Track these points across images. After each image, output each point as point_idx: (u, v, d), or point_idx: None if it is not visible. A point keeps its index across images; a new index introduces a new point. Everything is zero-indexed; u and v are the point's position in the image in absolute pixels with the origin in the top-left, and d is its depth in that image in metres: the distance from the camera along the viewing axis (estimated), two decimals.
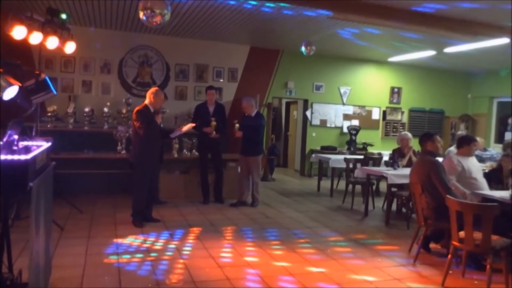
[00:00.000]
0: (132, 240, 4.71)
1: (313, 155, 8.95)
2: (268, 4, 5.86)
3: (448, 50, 8.26)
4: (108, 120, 7.31)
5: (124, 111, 7.43)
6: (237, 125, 6.64)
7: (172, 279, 3.66)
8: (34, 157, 2.49)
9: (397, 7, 5.79)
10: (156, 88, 5.64)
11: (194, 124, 6.02)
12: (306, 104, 10.24)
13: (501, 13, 5.79)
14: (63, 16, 4.81)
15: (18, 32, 4.21)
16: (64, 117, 7.19)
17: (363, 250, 4.70)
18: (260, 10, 6.19)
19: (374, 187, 7.37)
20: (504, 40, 6.83)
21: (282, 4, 5.78)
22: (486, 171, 5.99)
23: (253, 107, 6.79)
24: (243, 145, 6.79)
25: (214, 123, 6.55)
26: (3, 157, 2.24)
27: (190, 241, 4.79)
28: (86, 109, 7.23)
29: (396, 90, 10.94)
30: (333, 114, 10.41)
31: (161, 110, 5.51)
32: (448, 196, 3.75)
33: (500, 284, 3.65)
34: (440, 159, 7.05)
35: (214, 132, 6.60)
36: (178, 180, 7.18)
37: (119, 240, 4.68)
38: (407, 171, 5.22)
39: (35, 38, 4.43)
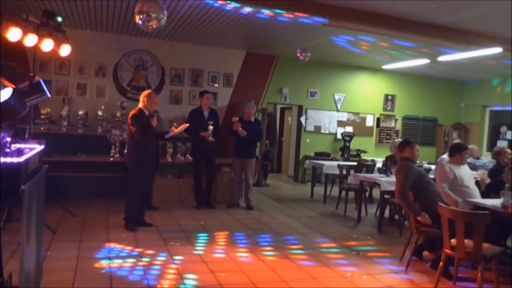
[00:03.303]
0: (125, 245, 4.69)
1: (307, 161, 8.96)
2: (264, 11, 5.90)
3: (442, 58, 8.34)
4: (102, 124, 7.29)
5: (118, 114, 7.41)
6: (236, 119, 6.72)
7: (163, 284, 3.64)
8: (27, 160, 2.48)
9: (392, 15, 5.84)
10: (149, 91, 5.59)
11: (188, 125, 5.99)
12: (300, 110, 10.27)
13: (494, 23, 5.86)
14: (59, 18, 4.81)
15: (13, 34, 4.20)
16: (57, 120, 7.15)
17: (355, 257, 4.71)
18: (256, 16, 6.23)
19: (367, 193, 7.40)
20: (496, 50, 6.91)
21: (277, 11, 5.82)
22: (478, 179, 6.03)
23: (253, 113, 7.05)
24: (240, 147, 6.85)
25: (211, 127, 6.56)
26: None
27: (183, 246, 4.78)
28: (80, 112, 7.21)
29: (390, 97, 11.01)
30: (327, 121, 10.45)
31: (156, 113, 5.49)
32: (439, 203, 3.77)
33: None
34: (432, 167, 7.15)
35: (211, 136, 6.62)
36: (172, 184, 7.17)
37: (111, 244, 4.65)
38: None
39: (30, 40, 4.42)
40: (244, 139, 6.73)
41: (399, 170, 4.58)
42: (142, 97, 5.39)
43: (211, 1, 5.60)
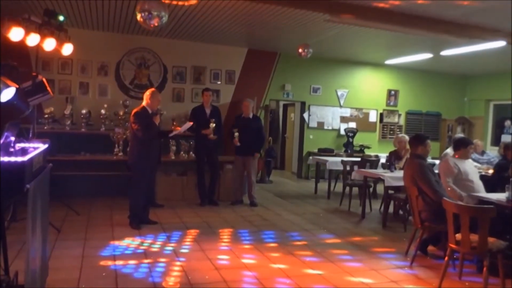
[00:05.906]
0: (129, 242, 4.70)
1: (310, 157, 8.95)
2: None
3: (445, 53, 8.30)
4: (105, 122, 7.30)
5: (121, 113, 7.42)
6: (236, 134, 6.70)
7: (169, 281, 3.65)
8: (31, 159, 2.49)
9: (394, 10, 5.81)
10: (153, 89, 5.64)
11: (191, 123, 5.99)
12: (303, 107, 10.25)
13: (497, 16, 5.82)
14: (61, 17, 4.81)
15: (15, 33, 4.20)
16: (61, 119, 7.17)
17: (360, 253, 4.71)
18: (258, 13, 6.19)
19: (371, 189, 7.38)
20: (500, 43, 6.87)
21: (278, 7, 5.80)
22: (483, 173, 6.00)
23: (251, 108, 7.00)
24: (240, 145, 6.82)
25: (213, 124, 6.56)
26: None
27: (187, 243, 4.79)
28: (83, 111, 7.22)
29: (393, 92, 10.97)
30: (330, 117, 10.42)
31: (159, 112, 5.49)
32: (444, 198, 3.75)
33: (496, 286, 3.66)
34: (437, 162, 7.12)
35: (212, 133, 6.61)
36: (175, 182, 7.18)
37: (116, 242, 4.67)
38: None
39: (32, 39, 4.42)
40: (246, 138, 6.73)
41: (415, 173, 4.42)
42: (146, 95, 5.41)
43: None
